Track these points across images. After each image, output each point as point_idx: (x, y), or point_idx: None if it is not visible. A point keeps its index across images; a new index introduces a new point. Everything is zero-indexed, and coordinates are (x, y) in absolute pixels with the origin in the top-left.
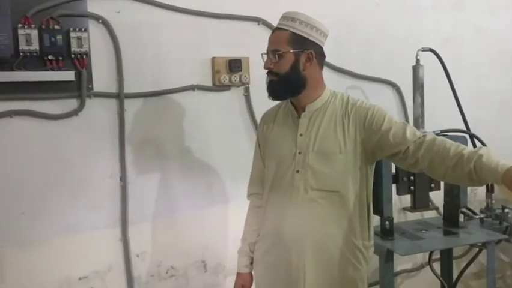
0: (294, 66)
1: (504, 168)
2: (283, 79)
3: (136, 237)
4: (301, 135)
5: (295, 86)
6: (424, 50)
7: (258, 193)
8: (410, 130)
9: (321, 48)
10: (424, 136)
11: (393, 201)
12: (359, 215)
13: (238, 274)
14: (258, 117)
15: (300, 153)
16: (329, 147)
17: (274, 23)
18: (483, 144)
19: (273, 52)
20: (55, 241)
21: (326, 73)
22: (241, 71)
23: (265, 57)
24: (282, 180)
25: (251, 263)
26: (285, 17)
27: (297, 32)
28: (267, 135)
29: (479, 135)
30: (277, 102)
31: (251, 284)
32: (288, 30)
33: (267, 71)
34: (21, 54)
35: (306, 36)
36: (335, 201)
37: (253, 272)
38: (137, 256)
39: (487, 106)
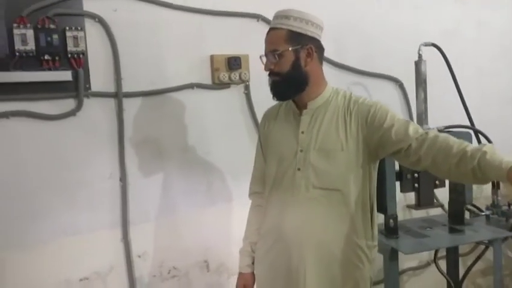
0: (295, 64)
1: (508, 166)
2: (286, 78)
3: (137, 237)
4: (302, 132)
5: (298, 83)
6: (426, 44)
7: (259, 192)
8: (413, 127)
9: (319, 41)
10: (427, 133)
11: (397, 199)
12: (362, 214)
13: (240, 274)
14: (259, 115)
15: (301, 151)
16: (331, 144)
17: None
18: (488, 139)
19: (272, 52)
20: (54, 243)
21: (328, 69)
22: (240, 68)
23: (263, 59)
24: (283, 178)
25: (253, 263)
26: (278, 16)
27: (293, 29)
28: (269, 133)
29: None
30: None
31: (253, 284)
32: (283, 28)
33: (268, 72)
34: (17, 54)
35: (302, 32)
36: (336, 199)
37: (255, 272)
38: (139, 257)
39: (489, 101)
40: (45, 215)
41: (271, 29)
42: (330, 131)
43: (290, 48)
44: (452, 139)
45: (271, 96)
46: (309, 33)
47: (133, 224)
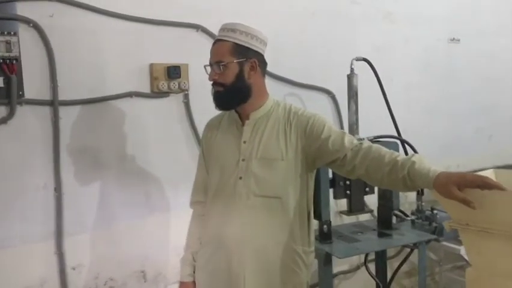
0: (239, 76)
1: (435, 174)
2: (229, 89)
3: (72, 249)
4: (244, 142)
5: (241, 95)
6: (358, 59)
7: (201, 201)
8: (348, 138)
9: (263, 56)
10: (361, 144)
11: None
12: (299, 221)
13: (181, 283)
14: (198, 124)
15: (243, 160)
16: (272, 154)
17: (213, 31)
18: (413, 149)
19: (217, 63)
20: None
21: (266, 81)
22: (180, 77)
23: (208, 69)
24: (225, 187)
25: (194, 272)
26: (224, 29)
27: (239, 42)
28: (211, 143)
29: (407, 140)
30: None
31: None
32: (229, 41)
33: (211, 82)
34: None
35: (247, 45)
36: (276, 207)
37: (195, 280)
38: (73, 269)
39: (415, 112)
40: None
41: (217, 41)
42: (271, 141)
43: (235, 61)
44: (384, 149)
45: (214, 105)
46: (254, 48)
47: (68, 235)
